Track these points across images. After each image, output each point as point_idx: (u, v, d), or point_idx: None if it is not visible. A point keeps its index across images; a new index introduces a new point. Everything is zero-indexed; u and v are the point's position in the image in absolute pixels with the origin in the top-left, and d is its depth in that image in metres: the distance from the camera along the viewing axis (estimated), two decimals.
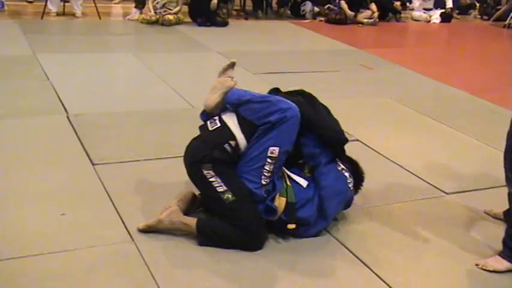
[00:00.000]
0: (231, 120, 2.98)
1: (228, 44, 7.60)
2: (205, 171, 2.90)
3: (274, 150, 2.87)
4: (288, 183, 2.99)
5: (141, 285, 2.57)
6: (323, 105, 3.24)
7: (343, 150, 3.19)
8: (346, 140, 3.17)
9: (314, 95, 3.25)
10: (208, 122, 3.05)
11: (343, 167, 3.13)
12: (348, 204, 3.20)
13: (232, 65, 3.16)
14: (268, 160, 2.87)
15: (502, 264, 2.92)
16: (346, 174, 3.11)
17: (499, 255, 2.96)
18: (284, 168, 3.03)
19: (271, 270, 2.77)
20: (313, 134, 3.03)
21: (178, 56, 6.79)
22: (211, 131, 3.00)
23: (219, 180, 2.88)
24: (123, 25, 8.71)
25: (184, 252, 2.85)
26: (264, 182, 2.90)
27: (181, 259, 2.80)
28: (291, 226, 2.96)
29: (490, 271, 2.92)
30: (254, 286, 2.65)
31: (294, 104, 2.93)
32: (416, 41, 10.35)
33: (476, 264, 2.98)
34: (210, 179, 2.89)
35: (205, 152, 2.90)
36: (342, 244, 3.04)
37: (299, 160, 3.15)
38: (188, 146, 3.08)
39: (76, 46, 6.86)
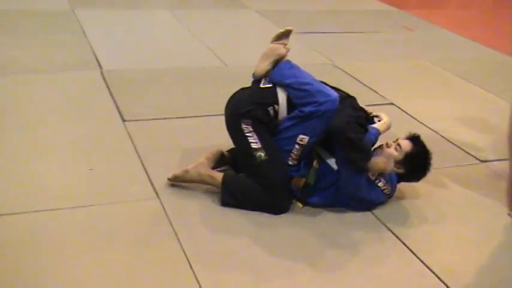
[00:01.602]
0: (281, 88, 2.93)
1: (267, 2, 7.48)
2: (244, 126, 2.88)
3: (304, 139, 2.84)
4: (315, 165, 2.91)
5: (163, 242, 2.59)
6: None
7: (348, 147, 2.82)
8: (340, 129, 2.79)
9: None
10: (262, 78, 3.00)
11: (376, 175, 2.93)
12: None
13: (287, 33, 3.05)
14: (296, 146, 2.86)
15: None
16: (380, 183, 2.93)
17: None
18: (318, 148, 2.94)
19: (297, 236, 2.75)
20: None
21: (215, 13, 6.71)
22: (261, 88, 2.96)
23: (255, 136, 2.86)
24: None
25: (209, 211, 2.85)
26: (290, 163, 2.89)
27: (205, 218, 2.80)
28: (299, 205, 2.95)
29: None
30: (275, 251, 2.63)
31: (333, 96, 2.83)
32: (462, 2, 10.01)
33: (508, 214, 3.09)
34: (247, 134, 2.87)
35: (249, 108, 2.88)
36: (372, 213, 3.00)
37: None
38: (234, 95, 3.05)
39: (113, 1, 6.84)
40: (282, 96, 2.89)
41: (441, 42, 6.48)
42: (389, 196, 3.01)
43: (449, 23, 7.27)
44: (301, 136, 2.84)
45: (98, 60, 4.70)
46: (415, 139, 3.05)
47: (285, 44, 3.04)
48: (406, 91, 4.75)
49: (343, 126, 2.78)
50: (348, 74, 4.82)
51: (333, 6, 7.69)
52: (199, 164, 2.98)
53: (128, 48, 5.16)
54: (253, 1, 7.34)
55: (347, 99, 2.98)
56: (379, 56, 5.68)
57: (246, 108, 2.88)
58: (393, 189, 2.99)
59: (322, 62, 5.11)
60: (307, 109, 2.81)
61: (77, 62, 4.65)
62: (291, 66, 2.98)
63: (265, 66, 2.99)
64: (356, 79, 4.73)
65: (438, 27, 7.08)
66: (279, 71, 2.96)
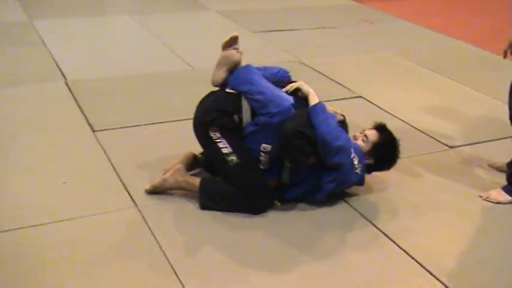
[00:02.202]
0: (243, 94, 2.93)
1: (228, 2, 7.47)
2: (212, 133, 2.89)
3: (267, 147, 2.87)
4: (287, 164, 2.93)
5: (146, 250, 2.57)
6: None
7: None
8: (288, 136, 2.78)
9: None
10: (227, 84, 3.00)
11: (353, 154, 2.91)
12: (358, 183, 3.06)
13: (235, 38, 3.03)
14: (262, 154, 2.88)
15: (505, 197, 3.13)
16: (355, 161, 2.90)
17: (503, 189, 3.15)
18: None
19: (278, 236, 2.75)
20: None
21: (176, 17, 6.70)
22: (227, 93, 2.96)
23: (224, 141, 2.87)
24: None
25: (188, 216, 2.84)
26: (262, 167, 2.92)
27: (185, 223, 2.79)
28: (278, 204, 2.97)
29: (493, 203, 3.12)
30: (258, 251, 2.64)
31: (285, 105, 2.84)
32: None
33: (480, 196, 3.16)
34: (216, 140, 2.88)
35: (214, 116, 2.88)
36: (350, 205, 3.03)
37: None
38: (202, 101, 3.05)
39: (72, 10, 6.75)
40: (246, 103, 2.90)
41: (401, 33, 6.58)
42: (361, 181, 3.02)
43: (407, 13, 7.38)
44: (264, 145, 2.86)
45: (61, 71, 4.64)
46: (381, 128, 3.08)
47: (237, 49, 3.03)
48: (372, 83, 4.80)
49: (292, 134, 2.77)
50: (314, 70, 4.85)
51: (292, 3, 7.73)
52: (175, 171, 2.97)
53: (91, 57, 5.10)
54: (212, 2, 7.33)
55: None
56: (342, 50, 5.72)
57: (212, 116, 2.89)
58: (363, 173, 3.00)
59: (288, 60, 5.14)
60: (262, 119, 2.84)
61: (40, 74, 4.58)
62: (249, 70, 2.97)
63: (221, 74, 2.99)
64: (323, 74, 4.77)
65: (397, 18, 7.17)
66: (236, 76, 2.96)
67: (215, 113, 2.89)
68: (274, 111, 2.82)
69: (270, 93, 2.88)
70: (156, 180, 2.98)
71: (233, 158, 2.85)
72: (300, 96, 2.98)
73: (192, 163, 3.14)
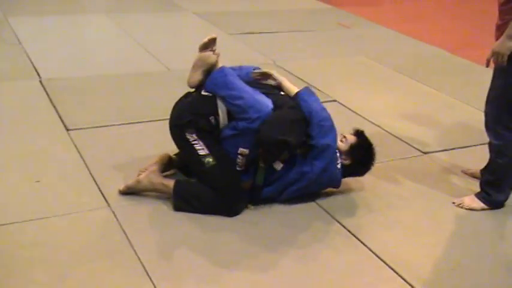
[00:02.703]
0: (220, 98, 2.92)
1: (204, 4, 7.47)
2: (188, 135, 2.88)
3: (244, 151, 2.86)
4: (261, 164, 2.95)
5: (118, 250, 2.55)
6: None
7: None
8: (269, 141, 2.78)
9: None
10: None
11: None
12: (334, 184, 3.10)
13: (213, 40, 3.01)
14: (240, 157, 2.88)
15: (479, 204, 3.16)
16: (337, 153, 3.00)
17: (476, 196, 3.19)
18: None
19: (250, 237, 2.75)
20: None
21: (153, 17, 6.67)
22: (203, 95, 2.94)
23: (201, 143, 2.86)
24: None
25: (161, 217, 2.83)
26: (238, 169, 2.91)
27: (158, 224, 2.78)
28: (251, 206, 2.98)
29: (466, 209, 3.15)
30: (231, 253, 2.63)
31: (266, 111, 2.82)
32: None
33: (453, 202, 3.19)
34: (193, 142, 2.87)
35: (190, 118, 2.87)
36: (318, 204, 3.05)
37: None
38: (177, 103, 3.03)
39: (48, 8, 6.68)
40: (222, 105, 2.89)
41: (377, 38, 6.63)
42: (337, 182, 3.06)
43: (383, 19, 7.44)
44: (241, 149, 2.86)
45: (36, 69, 4.59)
46: (359, 133, 3.15)
47: (214, 51, 3.02)
48: (347, 87, 4.83)
49: (272, 143, 2.77)
50: (289, 72, 4.86)
51: (268, 6, 7.75)
52: (150, 172, 2.95)
53: (66, 56, 5.05)
54: (188, 3, 7.31)
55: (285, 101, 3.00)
56: (318, 54, 5.75)
57: (187, 118, 2.88)
58: (340, 173, 3.03)
59: (263, 62, 5.14)
60: (240, 125, 2.83)
61: (14, 72, 4.53)
62: (225, 74, 2.94)
63: (197, 76, 2.98)
64: (298, 77, 4.79)
65: (373, 23, 7.23)
66: (213, 80, 2.94)
67: (191, 116, 2.88)
68: (254, 117, 2.80)
69: (250, 97, 2.87)
70: (130, 181, 2.97)
71: (209, 159, 2.85)
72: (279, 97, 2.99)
73: (167, 164, 3.12)
